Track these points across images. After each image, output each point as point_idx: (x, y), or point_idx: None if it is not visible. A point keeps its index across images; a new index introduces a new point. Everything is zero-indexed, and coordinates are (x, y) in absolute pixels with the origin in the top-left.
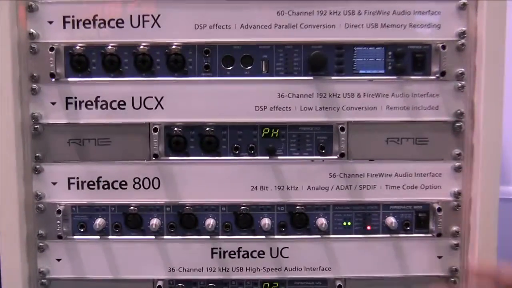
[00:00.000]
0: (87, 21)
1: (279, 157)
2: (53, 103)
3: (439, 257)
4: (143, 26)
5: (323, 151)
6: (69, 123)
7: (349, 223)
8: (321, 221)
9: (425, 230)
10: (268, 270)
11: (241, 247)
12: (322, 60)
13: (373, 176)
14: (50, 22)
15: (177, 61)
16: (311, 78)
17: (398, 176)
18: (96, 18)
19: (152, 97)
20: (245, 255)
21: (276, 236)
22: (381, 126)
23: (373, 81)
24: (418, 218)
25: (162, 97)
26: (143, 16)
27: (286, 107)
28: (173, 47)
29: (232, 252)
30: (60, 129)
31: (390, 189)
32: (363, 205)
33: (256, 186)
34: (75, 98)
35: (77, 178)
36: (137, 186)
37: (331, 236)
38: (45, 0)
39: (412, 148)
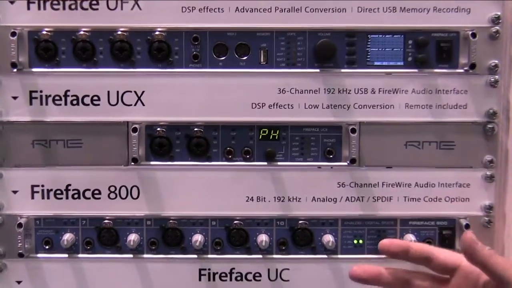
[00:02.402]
0: (55, 2)
1: (279, 163)
2: (15, 98)
3: None
4: (122, 9)
5: (331, 156)
6: (33, 121)
7: (360, 241)
8: (328, 238)
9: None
10: None
11: (233, 268)
12: (331, 50)
13: (390, 186)
14: (12, 2)
15: (160, 50)
16: (318, 70)
17: (419, 186)
18: None
19: (131, 91)
20: (239, 278)
21: (275, 256)
22: (399, 128)
23: (390, 74)
24: (442, 236)
25: (143, 92)
26: None
27: (288, 105)
28: (156, 33)
29: (224, 274)
30: (22, 128)
31: (409, 202)
32: (377, 220)
33: (252, 197)
34: (41, 92)
35: (42, 186)
36: (112, 195)
37: (340, 256)
38: None
39: (436, 154)
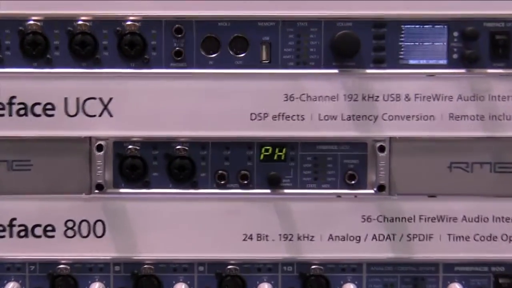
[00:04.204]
0: None
1: (286, 191)
2: None
3: None
4: None
5: (353, 182)
6: None
7: None
8: None
9: None
10: None
11: None
12: (353, 44)
13: (429, 220)
14: None
15: (133, 44)
16: (336, 71)
17: (468, 221)
18: None
19: (95, 98)
20: None
21: None
22: (442, 145)
23: (430, 76)
24: (498, 286)
25: (111, 99)
26: None
27: (298, 115)
28: (128, 23)
29: None
30: None
31: (455, 241)
32: (413, 265)
33: (251, 235)
34: None
35: None
36: (70, 233)
37: None
38: None
39: (490, 178)
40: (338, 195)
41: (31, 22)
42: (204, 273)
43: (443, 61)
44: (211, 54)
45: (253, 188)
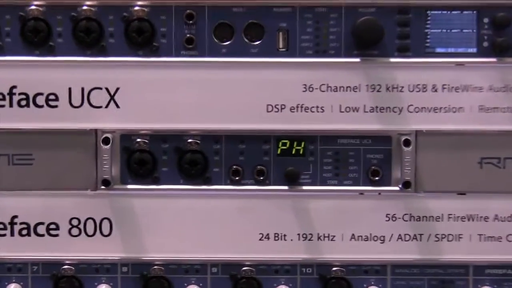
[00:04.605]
0: None
1: (304, 187)
2: None
3: None
4: None
5: (377, 178)
6: None
7: None
8: None
9: None
10: None
11: None
12: (376, 32)
13: (458, 219)
14: None
15: (141, 31)
16: (358, 60)
17: (500, 220)
18: None
19: (101, 88)
20: None
21: None
22: (471, 139)
23: (459, 65)
24: None
25: (118, 89)
26: None
27: (317, 107)
28: (136, 8)
29: None
30: None
31: (486, 241)
32: (441, 267)
33: (268, 234)
34: None
35: None
36: (75, 231)
37: None
38: None
39: None
40: (361, 192)
41: (33, 7)
42: (217, 274)
43: (473, 49)
44: (224, 42)
45: (269, 184)
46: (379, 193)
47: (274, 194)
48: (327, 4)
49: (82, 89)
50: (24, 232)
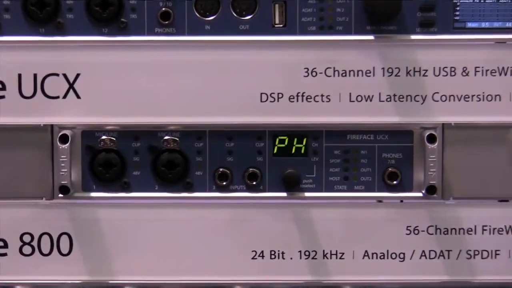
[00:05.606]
0: None
1: (306, 194)
2: None
3: None
4: None
5: (395, 182)
6: None
7: None
8: None
9: None
10: None
11: None
12: (392, 5)
13: (495, 232)
14: None
15: (106, 5)
16: (371, 37)
17: None
18: None
19: (57, 74)
20: None
21: None
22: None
23: (494, 44)
24: None
25: (78, 76)
26: None
27: (322, 96)
28: None
29: None
30: None
31: None
32: None
33: (262, 252)
34: None
35: None
36: (27, 249)
37: None
38: None
39: None
40: (379, 200)
41: None
42: None
43: (510, 24)
44: (208, 17)
45: (264, 191)
46: (401, 201)
47: (269, 203)
48: None
49: (35, 76)
50: None
